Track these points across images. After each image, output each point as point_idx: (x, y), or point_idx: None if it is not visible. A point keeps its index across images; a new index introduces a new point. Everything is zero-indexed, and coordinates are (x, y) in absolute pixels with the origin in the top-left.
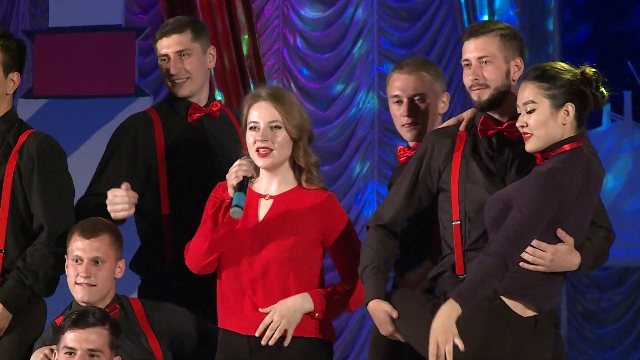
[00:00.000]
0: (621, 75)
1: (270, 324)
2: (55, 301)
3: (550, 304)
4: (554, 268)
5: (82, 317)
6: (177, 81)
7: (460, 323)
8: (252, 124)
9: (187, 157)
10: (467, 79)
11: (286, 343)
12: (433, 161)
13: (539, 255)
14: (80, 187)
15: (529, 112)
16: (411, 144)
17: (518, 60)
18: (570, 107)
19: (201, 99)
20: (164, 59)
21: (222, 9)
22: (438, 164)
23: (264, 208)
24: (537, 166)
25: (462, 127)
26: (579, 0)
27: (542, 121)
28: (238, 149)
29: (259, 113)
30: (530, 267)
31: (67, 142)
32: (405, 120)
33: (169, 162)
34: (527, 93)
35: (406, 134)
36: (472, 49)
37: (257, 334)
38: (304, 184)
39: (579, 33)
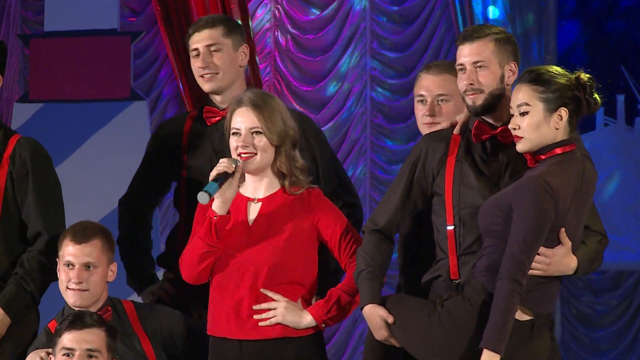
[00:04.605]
0: (614, 79)
1: (270, 307)
2: (45, 306)
3: (547, 307)
4: (551, 272)
5: (79, 319)
6: (205, 75)
7: (458, 327)
8: (234, 130)
9: (201, 165)
10: (462, 84)
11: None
12: (427, 165)
13: (537, 260)
14: (76, 192)
15: (522, 114)
16: None
17: (512, 65)
18: (563, 112)
19: (227, 98)
20: (196, 54)
21: (217, 12)
22: (432, 168)
23: (253, 211)
24: (529, 170)
25: (456, 131)
26: (572, 3)
27: (535, 124)
28: None
29: (241, 119)
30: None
31: (63, 146)
32: (427, 119)
33: (188, 169)
34: (521, 95)
35: (425, 131)
36: (466, 53)
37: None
38: (288, 190)
39: (573, 36)
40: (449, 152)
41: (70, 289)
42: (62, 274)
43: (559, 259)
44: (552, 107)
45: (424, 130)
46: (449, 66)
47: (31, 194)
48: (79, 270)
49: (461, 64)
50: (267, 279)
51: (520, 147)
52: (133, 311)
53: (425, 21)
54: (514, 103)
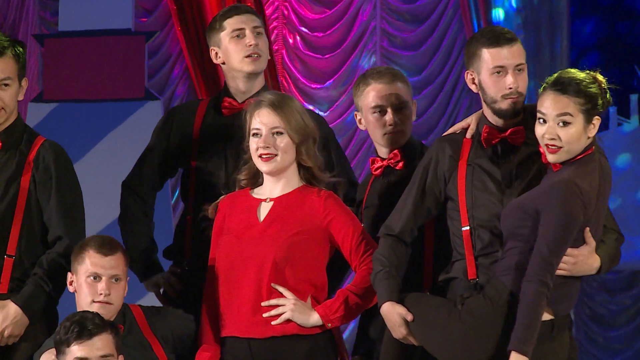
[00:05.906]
0: (628, 78)
1: (280, 303)
2: (62, 307)
3: (567, 307)
4: (576, 272)
5: (84, 328)
6: (252, 55)
7: (479, 325)
8: (254, 131)
9: (213, 156)
10: (503, 87)
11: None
12: (439, 169)
13: (563, 260)
14: (90, 191)
15: (564, 124)
16: (385, 154)
17: None
18: (596, 121)
19: (256, 85)
20: (238, 34)
21: None
22: (444, 172)
23: (264, 211)
24: (553, 173)
25: (468, 135)
26: (587, 3)
27: (577, 135)
28: None
29: (261, 120)
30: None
31: (77, 146)
32: (390, 129)
33: (198, 159)
34: (563, 105)
35: (387, 140)
36: (508, 55)
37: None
38: (314, 181)
39: (586, 36)
40: (460, 156)
41: (97, 302)
42: (85, 287)
43: (584, 259)
44: (589, 118)
45: (385, 140)
46: (393, 74)
47: (54, 198)
48: (107, 282)
49: (501, 66)
50: (272, 274)
51: (554, 158)
52: (142, 317)
53: (437, 20)
54: (553, 111)
